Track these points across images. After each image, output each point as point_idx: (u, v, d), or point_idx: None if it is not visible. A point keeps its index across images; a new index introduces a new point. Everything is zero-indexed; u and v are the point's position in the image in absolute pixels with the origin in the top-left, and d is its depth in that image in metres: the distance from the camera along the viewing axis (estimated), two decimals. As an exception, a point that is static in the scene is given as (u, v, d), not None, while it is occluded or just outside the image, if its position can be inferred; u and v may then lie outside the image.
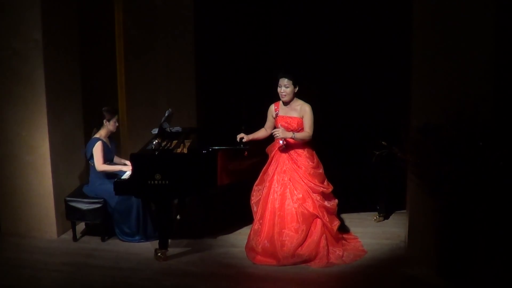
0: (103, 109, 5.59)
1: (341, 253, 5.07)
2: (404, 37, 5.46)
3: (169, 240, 5.25)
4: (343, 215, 5.81)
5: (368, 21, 6.79)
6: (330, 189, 5.17)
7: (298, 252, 4.95)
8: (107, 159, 5.62)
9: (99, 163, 5.52)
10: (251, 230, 5.20)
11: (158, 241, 5.21)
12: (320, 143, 5.27)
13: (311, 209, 5.01)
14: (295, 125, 5.06)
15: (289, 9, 7.07)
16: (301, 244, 4.97)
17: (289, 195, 5.07)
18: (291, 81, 5.01)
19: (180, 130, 5.67)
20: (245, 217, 5.50)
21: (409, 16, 5.01)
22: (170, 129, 5.56)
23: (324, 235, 5.02)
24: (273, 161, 5.21)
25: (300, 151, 5.12)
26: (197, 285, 4.71)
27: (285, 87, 5.02)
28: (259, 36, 7.17)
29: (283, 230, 5.01)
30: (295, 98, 5.09)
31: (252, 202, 5.24)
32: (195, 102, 6.89)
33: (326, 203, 5.11)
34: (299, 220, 5.00)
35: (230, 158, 5.26)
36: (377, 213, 6.01)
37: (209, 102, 7.21)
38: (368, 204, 6.10)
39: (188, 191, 5.22)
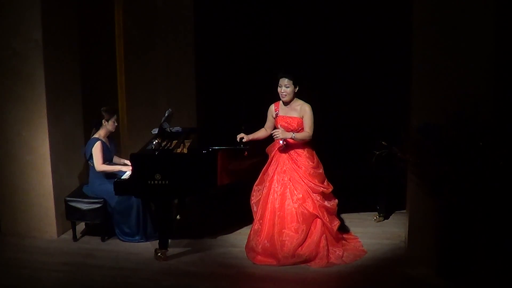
0: (101, 109, 5.59)
1: (341, 253, 5.07)
2: (404, 37, 5.46)
3: (169, 240, 5.25)
4: (343, 215, 5.81)
5: (368, 21, 6.79)
6: (330, 189, 5.17)
7: (298, 252, 4.95)
8: (107, 159, 5.62)
9: (98, 163, 5.52)
10: (251, 230, 5.20)
11: (158, 241, 5.21)
12: (320, 143, 5.27)
13: (311, 209, 5.01)
14: (295, 125, 5.06)
15: (289, 9, 7.07)
16: (301, 244, 4.97)
17: (289, 195, 5.07)
18: (292, 81, 5.01)
19: (180, 130, 5.67)
20: (245, 217, 5.50)
21: (409, 16, 5.01)
22: (170, 129, 5.57)
23: (324, 235, 5.02)
24: (273, 161, 5.21)
25: (300, 151, 5.12)
26: (197, 285, 4.71)
27: (285, 87, 5.02)
28: (259, 36, 7.16)
29: (283, 230, 5.01)
30: (295, 98, 5.09)
31: (252, 202, 5.24)
32: (195, 102, 6.89)
33: (326, 203, 5.11)
34: (299, 220, 5.00)
35: (230, 158, 5.26)
36: (377, 213, 6.01)
37: (209, 102, 7.21)
38: (368, 204, 6.10)
39: (188, 191, 5.22)
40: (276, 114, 5.15)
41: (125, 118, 6.66)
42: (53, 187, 5.62)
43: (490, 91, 4.70)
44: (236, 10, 7.12)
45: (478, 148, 4.42)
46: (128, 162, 5.44)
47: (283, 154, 5.15)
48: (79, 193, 5.67)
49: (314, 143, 5.18)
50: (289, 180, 5.10)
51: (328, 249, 5.01)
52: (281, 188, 5.10)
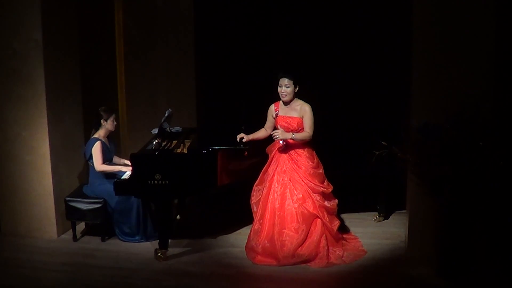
0: (99, 109, 5.59)
1: (341, 253, 5.07)
2: (404, 37, 5.46)
3: (169, 240, 5.24)
4: (343, 215, 5.81)
5: (368, 21, 6.80)
6: (330, 189, 5.17)
7: (298, 252, 4.95)
8: (107, 159, 5.62)
9: (98, 163, 5.52)
10: (251, 230, 5.20)
11: (158, 241, 5.21)
12: (320, 143, 5.27)
13: (311, 209, 5.02)
14: (295, 125, 5.07)
15: (289, 9, 7.07)
16: (301, 244, 4.97)
17: (289, 195, 5.07)
18: (292, 81, 5.01)
19: (180, 130, 5.67)
20: (245, 217, 5.50)
21: (409, 16, 5.01)
22: (170, 129, 5.57)
23: (324, 235, 5.02)
24: (273, 161, 5.21)
25: (300, 151, 5.12)
26: (197, 285, 4.71)
27: (285, 87, 5.02)
28: (259, 36, 7.17)
29: (283, 230, 5.01)
30: (295, 98, 5.10)
31: (252, 202, 5.24)
32: (195, 102, 6.90)
33: (326, 203, 5.11)
34: (299, 220, 5.00)
35: (230, 158, 5.26)
36: (377, 213, 6.01)
37: (209, 102, 7.21)
38: (368, 204, 6.10)
39: (188, 191, 5.21)
40: (276, 114, 5.15)
41: (125, 118, 6.66)
42: (53, 187, 5.61)
43: (490, 91, 4.70)
44: (236, 10, 7.13)
45: (478, 148, 4.41)
46: (128, 162, 5.43)
47: (283, 154, 5.15)
48: (79, 193, 5.67)
49: (314, 143, 5.18)
50: (289, 180, 5.10)
51: (328, 249, 5.01)
52: (281, 188, 5.10)
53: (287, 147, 5.11)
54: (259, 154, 5.32)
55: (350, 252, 5.16)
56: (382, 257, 5.13)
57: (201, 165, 5.06)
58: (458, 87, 4.69)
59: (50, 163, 5.56)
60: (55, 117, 5.59)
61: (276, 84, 5.08)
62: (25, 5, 5.32)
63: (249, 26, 7.18)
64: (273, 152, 5.22)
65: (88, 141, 5.63)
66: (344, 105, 6.80)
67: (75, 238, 5.63)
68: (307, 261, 4.97)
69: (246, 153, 5.23)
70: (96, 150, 5.50)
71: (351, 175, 5.98)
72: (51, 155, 5.56)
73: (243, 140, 5.22)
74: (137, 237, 5.54)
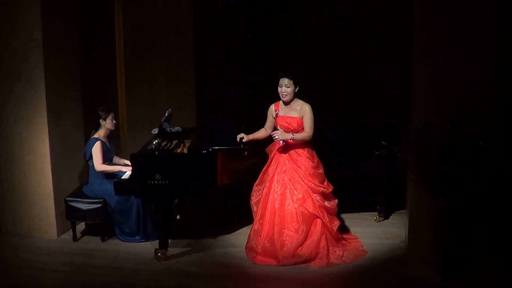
0: (97, 109, 5.59)
1: (341, 253, 5.07)
2: (404, 37, 5.46)
3: (169, 240, 5.24)
4: (343, 215, 5.81)
5: (368, 21, 6.80)
6: (330, 189, 5.17)
7: (298, 252, 4.95)
8: (107, 159, 5.62)
9: (98, 163, 5.52)
10: (251, 230, 5.20)
11: (158, 241, 5.21)
12: (320, 143, 5.27)
13: (311, 209, 5.01)
14: (295, 125, 5.06)
15: (290, 9, 7.07)
16: (301, 244, 4.97)
17: (289, 195, 5.07)
18: (292, 81, 5.01)
19: (180, 130, 5.67)
20: (245, 217, 5.50)
21: (409, 16, 5.01)
22: (170, 129, 5.56)
23: (324, 235, 5.02)
24: (273, 161, 5.21)
25: (300, 151, 5.12)
26: (197, 285, 4.71)
27: (286, 87, 5.02)
28: (259, 36, 7.17)
29: (283, 230, 5.01)
30: (295, 98, 5.10)
31: (252, 202, 5.24)
32: (195, 102, 6.89)
33: (326, 203, 5.11)
34: (299, 220, 5.00)
35: (230, 158, 5.25)
36: (377, 213, 6.01)
37: (209, 102, 7.21)
38: (368, 204, 6.10)
39: (188, 191, 5.21)
40: (276, 114, 5.15)
41: (125, 118, 6.67)
42: (53, 187, 5.61)
43: (490, 91, 4.70)
44: (236, 10, 7.13)
45: (478, 148, 4.41)
46: (128, 162, 5.44)
47: (283, 154, 5.15)
48: (79, 193, 5.67)
49: (314, 143, 5.18)
50: (289, 180, 5.10)
51: (328, 249, 5.01)
52: (281, 188, 5.10)
53: (287, 147, 5.11)
54: (259, 154, 5.32)
55: (350, 252, 5.16)
56: (382, 257, 5.13)
57: (201, 165, 5.06)
58: (458, 87, 4.69)
59: (50, 163, 5.56)
60: (55, 117, 5.59)
61: (276, 84, 5.08)
62: (25, 5, 5.32)
63: (249, 26, 7.18)
64: (273, 152, 5.22)
65: (88, 141, 5.63)
66: (344, 105, 6.80)
67: (75, 238, 5.63)
68: (307, 261, 4.97)
69: (246, 153, 5.23)
70: (96, 150, 5.50)
71: (351, 175, 5.98)
72: (51, 155, 5.56)
73: (243, 140, 5.22)
74: (137, 237, 5.54)
